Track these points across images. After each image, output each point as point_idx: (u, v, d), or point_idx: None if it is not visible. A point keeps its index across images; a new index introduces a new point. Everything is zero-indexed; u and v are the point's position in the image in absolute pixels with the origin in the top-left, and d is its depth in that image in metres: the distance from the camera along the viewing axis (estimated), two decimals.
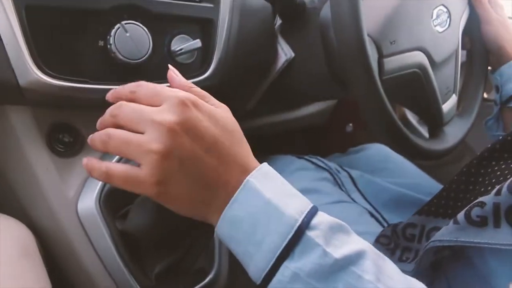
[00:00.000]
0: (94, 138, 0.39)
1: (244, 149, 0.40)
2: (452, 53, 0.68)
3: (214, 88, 0.55)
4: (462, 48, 0.73)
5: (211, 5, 0.58)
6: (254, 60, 0.66)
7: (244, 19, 0.62)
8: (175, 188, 0.36)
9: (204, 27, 0.59)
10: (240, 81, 0.65)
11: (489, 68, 0.77)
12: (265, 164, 0.40)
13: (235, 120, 0.41)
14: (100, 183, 0.54)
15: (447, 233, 0.48)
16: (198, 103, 0.38)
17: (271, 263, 0.35)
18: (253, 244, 0.36)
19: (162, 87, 0.39)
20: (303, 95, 0.76)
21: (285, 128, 1.00)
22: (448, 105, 0.67)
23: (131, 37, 0.51)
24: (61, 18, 0.49)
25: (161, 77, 0.55)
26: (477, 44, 0.75)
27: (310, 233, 0.35)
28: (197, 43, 0.56)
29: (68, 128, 0.54)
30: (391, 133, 0.53)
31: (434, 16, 0.63)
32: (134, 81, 0.53)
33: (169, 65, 0.43)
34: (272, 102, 0.81)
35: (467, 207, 0.46)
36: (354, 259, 0.35)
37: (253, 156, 0.40)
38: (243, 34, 0.61)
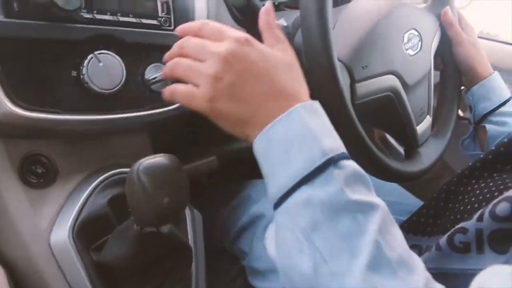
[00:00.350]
0: (167, 65, 0.47)
1: (298, 85, 0.44)
2: (425, 75, 0.69)
3: (188, 116, 0.55)
4: (435, 69, 0.74)
5: None
6: None
7: None
8: (222, 106, 0.43)
9: None
10: None
11: (462, 88, 0.79)
12: (316, 102, 0.44)
13: (293, 60, 0.46)
14: (73, 214, 0.53)
15: (429, 260, 0.48)
16: (252, 41, 0.44)
17: (293, 183, 0.39)
18: (282, 163, 0.40)
19: (224, 28, 0.45)
20: None
21: None
22: (422, 126, 0.68)
23: (104, 67, 0.51)
24: (33, 49, 0.49)
25: (135, 106, 0.55)
26: (449, 65, 0.76)
27: (335, 170, 0.39)
28: None
29: (41, 158, 0.54)
30: (364, 157, 0.53)
31: (405, 40, 0.65)
32: (108, 110, 0.54)
33: (267, 3, 0.48)
34: None
35: (449, 233, 0.46)
36: (365, 208, 0.38)
37: (308, 94, 0.45)
38: None
